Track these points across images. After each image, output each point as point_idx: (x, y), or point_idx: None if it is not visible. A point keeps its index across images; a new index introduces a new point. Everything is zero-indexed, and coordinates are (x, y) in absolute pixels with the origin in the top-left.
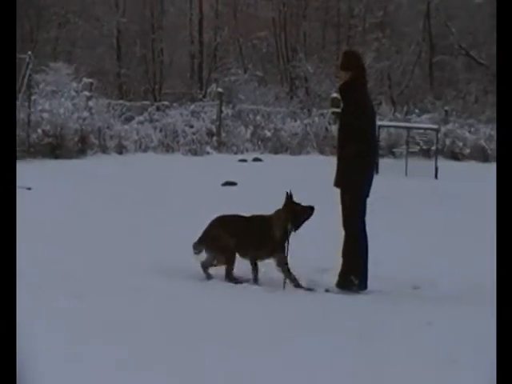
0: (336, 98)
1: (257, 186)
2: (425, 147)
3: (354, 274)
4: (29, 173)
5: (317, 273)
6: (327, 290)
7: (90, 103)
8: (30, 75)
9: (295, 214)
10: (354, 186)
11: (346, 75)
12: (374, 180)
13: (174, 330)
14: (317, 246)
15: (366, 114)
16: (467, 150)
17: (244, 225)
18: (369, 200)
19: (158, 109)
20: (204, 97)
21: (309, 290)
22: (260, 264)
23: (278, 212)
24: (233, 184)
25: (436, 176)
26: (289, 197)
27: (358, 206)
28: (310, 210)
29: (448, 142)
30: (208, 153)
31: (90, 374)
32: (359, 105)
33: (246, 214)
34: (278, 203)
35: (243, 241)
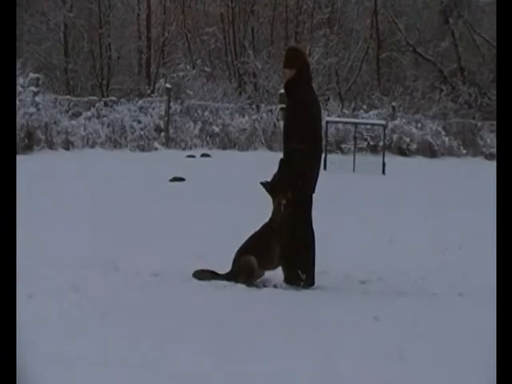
0: (283, 93)
1: (205, 181)
2: (372, 143)
3: (301, 269)
4: None
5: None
6: (275, 286)
7: (37, 99)
8: None
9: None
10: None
11: (290, 72)
12: (321, 176)
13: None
14: None
15: (312, 111)
16: (414, 146)
17: None
18: (317, 196)
19: (105, 104)
20: (152, 92)
21: (255, 286)
22: None
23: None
24: (181, 180)
25: (383, 172)
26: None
27: (304, 203)
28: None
29: (395, 137)
30: (156, 148)
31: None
32: (304, 102)
33: None
34: (226, 198)
35: None
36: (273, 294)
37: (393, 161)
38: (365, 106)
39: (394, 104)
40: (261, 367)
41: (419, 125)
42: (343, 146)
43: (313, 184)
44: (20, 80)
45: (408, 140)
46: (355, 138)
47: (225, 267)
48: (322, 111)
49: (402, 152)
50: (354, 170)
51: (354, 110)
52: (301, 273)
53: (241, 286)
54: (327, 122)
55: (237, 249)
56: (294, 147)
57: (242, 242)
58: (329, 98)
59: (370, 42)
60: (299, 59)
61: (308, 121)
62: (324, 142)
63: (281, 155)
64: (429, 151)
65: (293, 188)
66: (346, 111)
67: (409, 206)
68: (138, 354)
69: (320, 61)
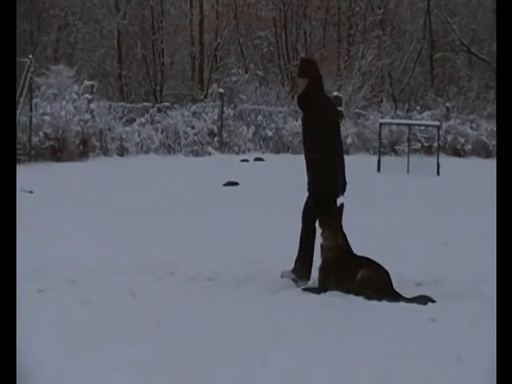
0: (337, 96)
1: (259, 185)
2: (426, 144)
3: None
4: (30, 176)
5: None
6: (282, 276)
7: (92, 105)
8: (31, 78)
9: None
10: (321, 191)
11: (303, 82)
12: (375, 177)
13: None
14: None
15: (327, 120)
16: (469, 146)
17: None
18: (370, 197)
19: (159, 110)
20: (205, 97)
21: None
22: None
23: None
24: (235, 184)
25: (438, 173)
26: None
27: (327, 209)
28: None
29: (450, 138)
30: (210, 153)
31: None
32: (319, 112)
33: None
34: (280, 202)
35: None
36: (326, 297)
37: (447, 162)
38: (418, 107)
39: (448, 105)
40: (317, 370)
41: (474, 125)
42: (397, 147)
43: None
44: (75, 87)
45: (463, 141)
46: (409, 140)
47: (279, 271)
48: (376, 113)
49: (457, 153)
50: (408, 171)
51: (408, 111)
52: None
53: (295, 290)
54: (381, 124)
55: (292, 252)
56: (314, 157)
57: (297, 245)
58: (382, 100)
59: (424, 42)
60: (312, 69)
61: (324, 131)
62: (378, 144)
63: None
64: (484, 151)
65: (314, 197)
66: (400, 112)
67: (464, 207)
68: (194, 359)
69: (373, 62)
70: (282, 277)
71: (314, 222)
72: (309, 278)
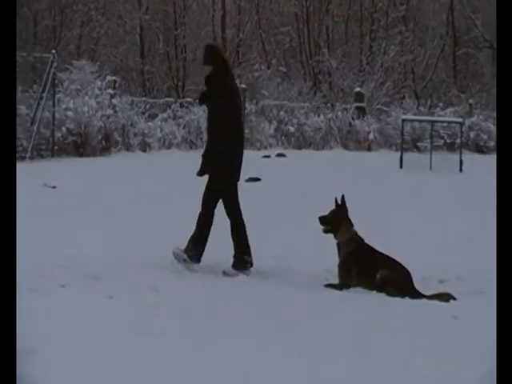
0: (359, 92)
1: (281, 181)
2: (449, 141)
3: (246, 254)
4: (53, 171)
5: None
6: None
7: (114, 101)
8: (54, 74)
9: None
10: (226, 173)
11: (207, 69)
12: (398, 174)
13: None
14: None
15: (232, 103)
16: (492, 143)
17: None
18: (393, 194)
19: (181, 105)
20: None
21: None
22: None
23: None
24: (257, 180)
25: (461, 169)
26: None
27: (233, 191)
28: None
29: (473, 135)
30: None
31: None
32: (224, 94)
33: None
34: (302, 198)
35: None
36: (347, 294)
37: (470, 158)
38: (441, 104)
39: (471, 101)
40: (334, 367)
41: None
42: (419, 144)
43: (237, 173)
44: (97, 83)
45: (486, 137)
46: (432, 136)
47: (301, 267)
48: (398, 109)
49: (480, 149)
50: (430, 168)
51: (430, 107)
52: (247, 257)
53: (317, 286)
54: (403, 120)
55: (314, 248)
56: (216, 134)
57: (319, 242)
58: (404, 96)
59: (446, 38)
60: (214, 56)
61: (229, 112)
62: (400, 141)
63: (356, 154)
64: None
65: (219, 178)
66: (422, 109)
67: (487, 204)
68: (212, 355)
69: (395, 58)
70: (175, 255)
71: (215, 206)
72: (199, 261)
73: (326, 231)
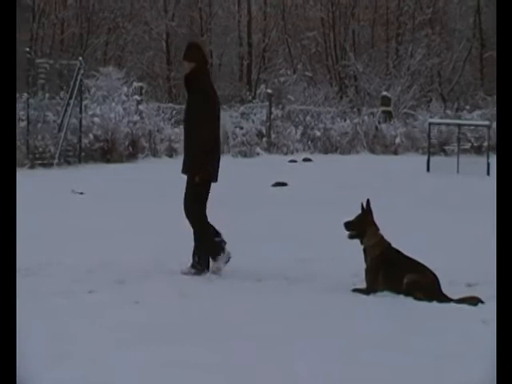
0: (386, 96)
1: (307, 186)
2: (476, 144)
3: (199, 259)
4: (80, 178)
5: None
6: (182, 272)
7: (141, 107)
8: (81, 80)
9: None
10: (204, 173)
11: (189, 66)
12: (425, 177)
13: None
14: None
15: (211, 103)
16: None
17: None
18: (420, 197)
19: None
20: (253, 98)
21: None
22: None
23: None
24: (283, 184)
25: (488, 173)
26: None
27: (206, 193)
28: None
29: None
30: (258, 154)
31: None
32: (205, 94)
33: None
34: (329, 203)
35: None
36: (375, 298)
37: None
38: (468, 107)
39: None
40: (362, 370)
41: None
42: (446, 147)
43: (215, 174)
44: (124, 89)
45: None
46: (459, 139)
47: (328, 272)
48: (425, 113)
49: None
50: (458, 171)
51: (457, 110)
52: (198, 258)
53: (345, 291)
54: (430, 124)
55: (339, 253)
56: (196, 139)
57: (345, 246)
58: (431, 100)
59: (473, 41)
60: (198, 54)
61: (208, 113)
62: (427, 144)
63: (383, 158)
64: None
65: (194, 174)
66: (449, 112)
67: None
68: (239, 360)
69: (422, 62)
70: (183, 273)
71: (204, 210)
72: (208, 268)
73: (351, 237)
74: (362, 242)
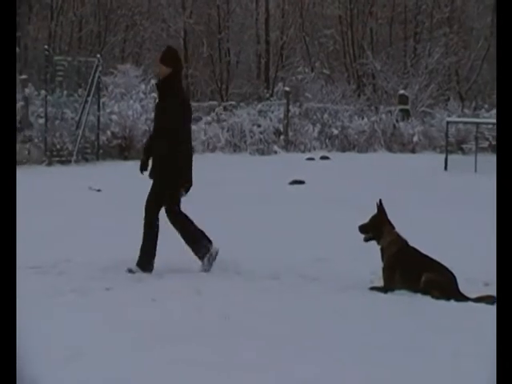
0: (404, 94)
1: (325, 184)
2: (494, 142)
3: (153, 257)
4: (98, 175)
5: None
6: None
7: None
8: (99, 78)
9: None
10: (169, 179)
11: (166, 70)
12: (442, 176)
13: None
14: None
15: (187, 107)
16: None
17: None
18: (437, 196)
19: (225, 109)
20: (271, 96)
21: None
22: None
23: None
24: (301, 182)
25: None
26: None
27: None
28: None
29: None
30: (275, 152)
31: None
32: (180, 98)
33: None
34: (346, 201)
35: None
36: (392, 296)
37: None
38: (486, 106)
39: None
40: (379, 368)
41: None
42: (464, 146)
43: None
44: (142, 86)
45: None
46: (476, 138)
47: (345, 270)
48: (442, 111)
49: None
50: (475, 170)
51: (475, 109)
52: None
53: (362, 289)
54: (447, 123)
55: (356, 251)
56: (163, 144)
57: (363, 244)
58: (449, 98)
59: (491, 40)
60: (176, 59)
61: (178, 119)
62: (444, 143)
63: (400, 156)
64: None
65: (163, 183)
66: (467, 111)
67: None
68: (255, 358)
69: (440, 60)
70: (130, 271)
71: (158, 211)
72: (152, 268)
73: (367, 239)
74: (378, 243)
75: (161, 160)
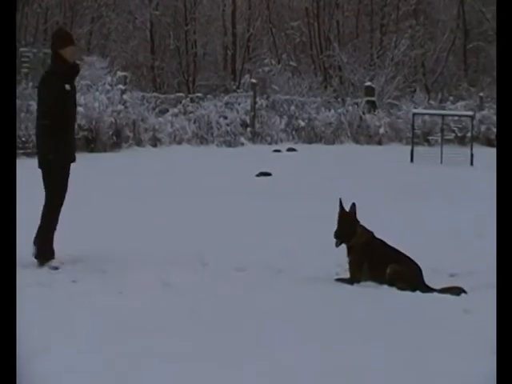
0: (370, 86)
1: (291, 175)
2: (460, 134)
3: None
4: None
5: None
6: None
7: (125, 96)
8: None
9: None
10: (55, 167)
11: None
12: (409, 168)
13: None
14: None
15: (61, 88)
16: None
17: None
18: (403, 188)
19: (191, 101)
20: (238, 88)
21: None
22: None
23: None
24: (267, 174)
25: (472, 163)
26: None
27: (62, 173)
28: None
29: (483, 128)
30: (242, 144)
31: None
32: (55, 80)
33: None
34: (313, 193)
35: None
36: (358, 288)
37: (481, 152)
38: (452, 98)
39: (481, 94)
40: (344, 358)
41: None
42: (430, 137)
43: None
44: (108, 78)
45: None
46: (442, 130)
47: (311, 262)
48: (409, 103)
49: (491, 143)
50: (441, 161)
51: (441, 101)
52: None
53: (328, 281)
54: (414, 114)
55: (323, 243)
56: (43, 123)
57: (329, 236)
58: (415, 90)
59: (457, 32)
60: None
61: (54, 98)
62: (410, 135)
63: (367, 148)
64: None
65: (48, 160)
66: (433, 103)
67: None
68: (223, 350)
69: (406, 52)
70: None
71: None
72: (53, 255)
73: (338, 244)
74: (349, 243)
75: (69, 146)
